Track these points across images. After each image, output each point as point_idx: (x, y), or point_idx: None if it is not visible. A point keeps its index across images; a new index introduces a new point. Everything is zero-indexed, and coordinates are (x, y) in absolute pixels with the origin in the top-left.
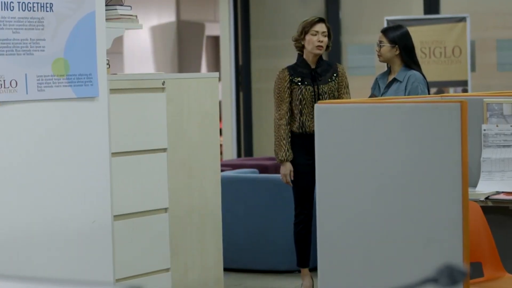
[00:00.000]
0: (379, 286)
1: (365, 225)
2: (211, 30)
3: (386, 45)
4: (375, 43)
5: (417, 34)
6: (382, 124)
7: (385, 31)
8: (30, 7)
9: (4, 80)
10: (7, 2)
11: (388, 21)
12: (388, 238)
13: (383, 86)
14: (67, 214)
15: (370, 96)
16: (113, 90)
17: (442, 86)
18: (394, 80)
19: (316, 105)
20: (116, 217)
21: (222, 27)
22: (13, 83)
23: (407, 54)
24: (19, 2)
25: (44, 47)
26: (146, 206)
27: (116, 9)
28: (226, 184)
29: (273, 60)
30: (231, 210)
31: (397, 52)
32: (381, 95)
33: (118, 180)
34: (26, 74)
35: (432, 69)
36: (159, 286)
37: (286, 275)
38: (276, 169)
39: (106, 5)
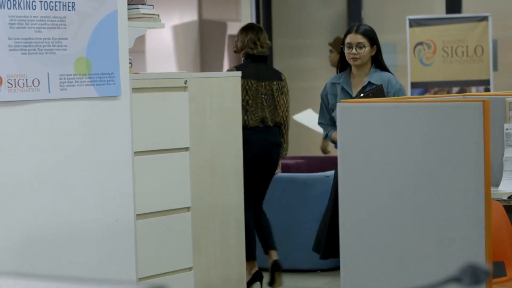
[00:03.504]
0: (402, 286)
1: (387, 224)
2: (233, 29)
3: (368, 47)
4: (397, 43)
5: (439, 34)
6: (405, 123)
7: (365, 32)
8: (52, 6)
9: (26, 79)
10: (29, 1)
11: (410, 20)
12: (410, 238)
13: (350, 90)
14: (90, 213)
15: (329, 108)
16: (135, 89)
17: (464, 86)
18: (369, 83)
19: (338, 104)
20: (139, 216)
21: None
22: (36, 82)
23: (381, 55)
24: (41, 1)
25: (66, 46)
26: (169, 205)
27: (138, 8)
28: None
29: (295, 59)
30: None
31: (373, 53)
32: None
33: (141, 179)
34: (48, 73)
35: (454, 68)
36: (181, 285)
37: (308, 274)
38: (298, 169)
39: (128, 4)
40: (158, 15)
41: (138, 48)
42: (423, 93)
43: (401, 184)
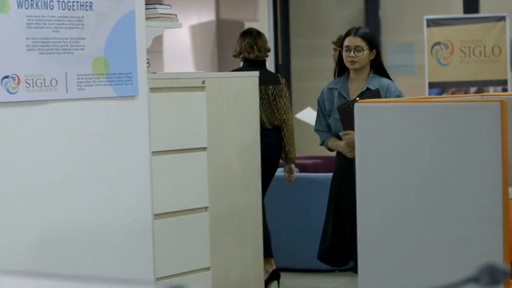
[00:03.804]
0: (419, 286)
1: (404, 224)
2: None
3: (366, 50)
4: (414, 43)
5: (457, 34)
6: (422, 123)
7: (364, 35)
8: (70, 6)
9: (44, 79)
10: (47, 1)
11: (428, 20)
12: (428, 238)
13: (348, 96)
14: (108, 213)
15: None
16: (153, 89)
17: (482, 86)
18: (367, 89)
19: (356, 104)
20: (157, 216)
21: (261, 26)
22: (53, 82)
23: (380, 59)
24: (59, 1)
25: (84, 46)
26: (187, 205)
27: (156, 8)
28: None
29: (313, 59)
30: (271, 209)
31: (372, 57)
32: None
33: (159, 179)
34: (66, 73)
35: (471, 68)
36: (199, 285)
37: (325, 274)
38: (315, 168)
39: (146, 4)
40: (176, 15)
41: (156, 48)
42: (440, 93)
43: (418, 184)
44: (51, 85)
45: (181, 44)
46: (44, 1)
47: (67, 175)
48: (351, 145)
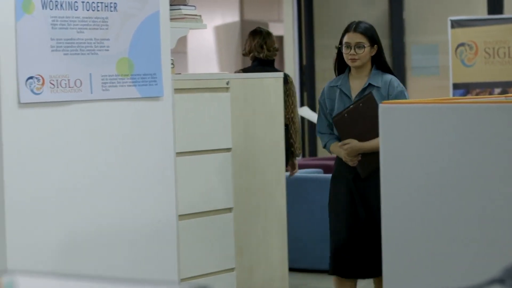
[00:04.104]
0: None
1: (429, 226)
2: (275, 29)
3: (368, 47)
4: (438, 43)
5: (481, 34)
6: (446, 124)
7: (364, 31)
8: (94, 7)
9: (68, 80)
10: (71, 2)
11: (452, 21)
12: (453, 239)
13: (349, 93)
14: (132, 213)
15: (335, 115)
16: (177, 90)
17: (506, 87)
18: (369, 85)
19: (380, 105)
20: (181, 216)
21: (286, 26)
22: (78, 83)
23: (383, 55)
24: (83, 2)
25: (108, 47)
26: (211, 205)
27: (180, 9)
28: (291, 184)
29: None
30: (295, 209)
31: (373, 53)
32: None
33: (183, 180)
34: (90, 74)
35: (496, 69)
36: (224, 286)
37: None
38: None
39: (170, 5)
40: (200, 15)
41: (180, 48)
42: (465, 94)
43: (443, 186)
44: (76, 85)
45: (205, 45)
46: (69, 2)
47: (92, 176)
48: (352, 154)
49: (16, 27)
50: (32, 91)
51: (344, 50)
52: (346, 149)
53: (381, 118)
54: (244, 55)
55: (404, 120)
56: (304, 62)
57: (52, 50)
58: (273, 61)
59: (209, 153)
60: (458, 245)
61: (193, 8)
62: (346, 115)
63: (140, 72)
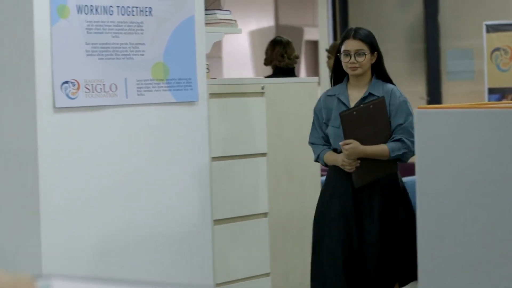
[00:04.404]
0: None
1: (466, 232)
2: (310, 34)
3: (368, 54)
4: (473, 48)
5: None
6: (482, 129)
7: (364, 38)
8: (130, 11)
9: (104, 84)
10: (107, 7)
11: (487, 26)
12: (489, 245)
13: (348, 102)
14: (167, 218)
15: (343, 122)
16: (212, 95)
17: None
18: (370, 95)
19: (416, 110)
20: (216, 221)
21: (321, 31)
22: (113, 87)
23: (382, 62)
24: (118, 7)
25: (143, 52)
26: (246, 210)
27: (215, 14)
28: None
29: None
30: None
31: (373, 61)
32: None
33: (218, 184)
34: (125, 79)
35: None
36: None
37: None
38: None
39: (205, 10)
40: (235, 20)
41: (215, 53)
42: (500, 99)
43: (480, 190)
44: (111, 90)
45: (240, 50)
46: (104, 7)
47: (127, 180)
48: (353, 157)
49: (52, 31)
50: (67, 95)
51: (343, 59)
52: (347, 149)
53: (417, 122)
54: (265, 64)
55: (440, 125)
56: None
57: (87, 55)
58: (293, 69)
59: (244, 158)
60: (495, 251)
61: (228, 12)
62: (355, 112)
63: (175, 76)
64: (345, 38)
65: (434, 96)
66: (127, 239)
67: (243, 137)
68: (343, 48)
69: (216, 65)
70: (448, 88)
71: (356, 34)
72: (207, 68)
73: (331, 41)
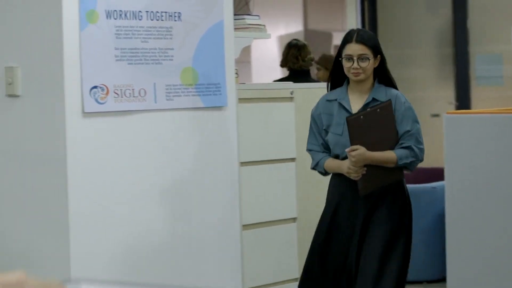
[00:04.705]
0: None
1: (495, 236)
2: (338, 39)
3: (372, 59)
4: (502, 53)
5: None
6: (511, 134)
7: (367, 41)
8: (159, 16)
9: (133, 89)
10: (136, 12)
11: None
12: None
13: (350, 107)
14: (196, 223)
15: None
16: (241, 100)
17: None
18: (373, 100)
19: (445, 115)
20: (245, 226)
21: None
22: (142, 92)
23: (386, 66)
24: (147, 12)
25: (172, 57)
26: (275, 215)
27: (244, 19)
28: None
29: (401, 70)
30: None
31: (376, 64)
32: None
33: (247, 189)
34: (154, 83)
35: None
36: None
37: (414, 285)
38: (415, 179)
39: (234, 15)
40: (264, 25)
41: (244, 58)
42: None
43: (509, 195)
44: (140, 95)
45: (269, 55)
46: (133, 12)
47: (156, 185)
48: (359, 164)
49: (81, 36)
50: (96, 100)
51: (344, 63)
52: (354, 155)
53: (446, 127)
54: (281, 66)
55: (469, 130)
56: None
57: (117, 60)
58: (308, 71)
59: (273, 163)
60: None
61: (257, 17)
62: (362, 117)
63: (204, 81)
64: (347, 41)
65: (463, 101)
66: (156, 243)
67: (272, 142)
68: (344, 52)
69: (245, 70)
70: (477, 93)
71: (359, 37)
72: (236, 73)
73: None
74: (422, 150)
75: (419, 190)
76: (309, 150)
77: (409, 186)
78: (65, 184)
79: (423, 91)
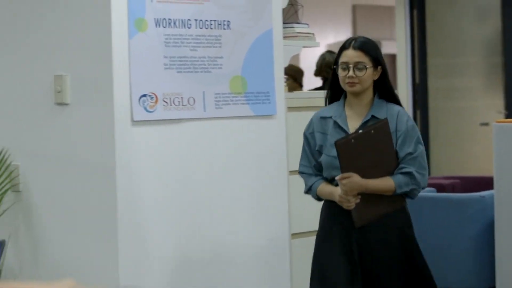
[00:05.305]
0: None
1: None
2: (387, 48)
3: (370, 68)
4: None
5: None
6: None
7: (366, 48)
8: (208, 25)
9: (182, 98)
10: (185, 20)
11: None
12: None
13: (346, 126)
14: (245, 232)
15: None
16: (290, 108)
17: None
18: (372, 118)
19: (494, 124)
20: (294, 235)
21: (398, 45)
22: (191, 101)
23: (388, 79)
24: (196, 20)
25: (221, 65)
26: None
27: (293, 27)
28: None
29: (450, 79)
30: None
31: (376, 77)
32: None
33: (296, 198)
34: (203, 92)
35: None
36: None
37: None
38: (453, 188)
39: (283, 23)
40: (313, 33)
41: None
42: None
43: None
44: (189, 103)
45: None
46: (182, 20)
47: (205, 194)
48: (352, 193)
49: (129, 45)
50: (145, 109)
51: (340, 72)
52: (345, 184)
53: (495, 136)
54: (315, 75)
55: None
56: (417, 81)
57: (165, 68)
58: None
59: None
60: None
61: (306, 26)
62: (353, 140)
63: (253, 90)
64: (343, 48)
65: None
66: (204, 252)
67: None
68: (340, 60)
69: None
70: None
71: (357, 43)
72: (285, 82)
73: (409, 54)
74: (424, 176)
75: (467, 199)
76: (301, 173)
77: (457, 195)
78: (114, 192)
79: (472, 100)
